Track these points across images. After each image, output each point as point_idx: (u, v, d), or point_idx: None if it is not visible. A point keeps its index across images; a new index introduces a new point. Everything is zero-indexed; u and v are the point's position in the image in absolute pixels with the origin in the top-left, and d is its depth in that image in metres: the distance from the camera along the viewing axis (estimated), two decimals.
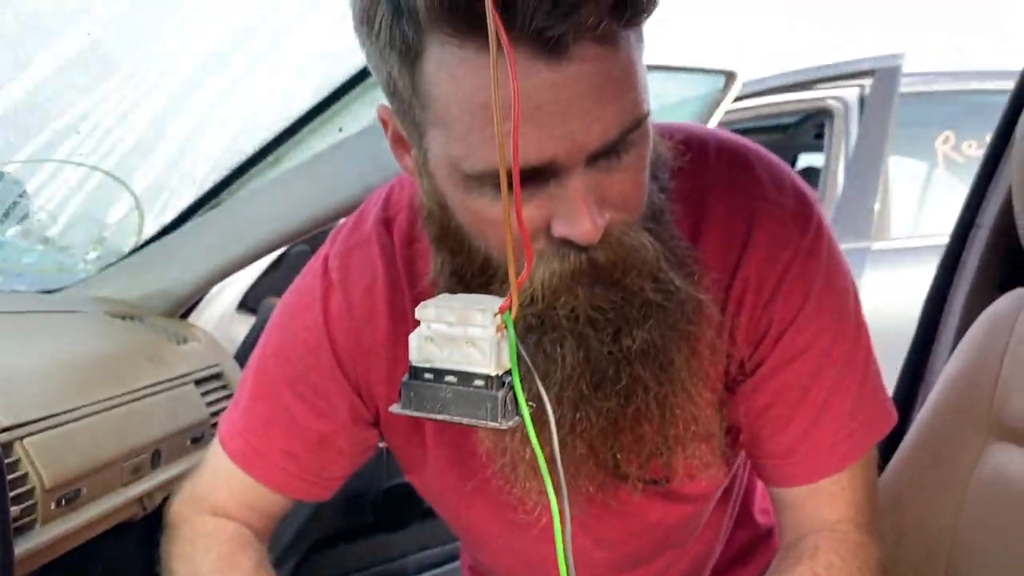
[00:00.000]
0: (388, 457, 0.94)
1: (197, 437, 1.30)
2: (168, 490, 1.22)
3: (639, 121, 0.64)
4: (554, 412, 0.51)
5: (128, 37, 1.03)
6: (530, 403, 0.49)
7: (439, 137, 0.64)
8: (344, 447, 0.87)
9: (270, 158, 1.43)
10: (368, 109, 1.40)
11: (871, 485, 0.85)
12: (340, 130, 1.40)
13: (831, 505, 0.83)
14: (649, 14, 0.63)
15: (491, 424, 0.48)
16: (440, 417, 0.49)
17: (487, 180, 0.63)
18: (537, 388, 0.50)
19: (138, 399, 1.19)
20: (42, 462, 0.97)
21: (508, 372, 0.49)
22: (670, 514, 0.89)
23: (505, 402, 0.48)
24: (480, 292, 0.69)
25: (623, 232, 0.67)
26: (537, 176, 0.62)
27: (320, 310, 0.84)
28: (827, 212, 2.98)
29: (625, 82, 0.62)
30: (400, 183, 0.87)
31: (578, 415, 0.71)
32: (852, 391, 0.81)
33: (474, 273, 0.72)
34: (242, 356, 1.69)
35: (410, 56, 0.61)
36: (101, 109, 1.15)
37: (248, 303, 1.85)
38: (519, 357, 0.49)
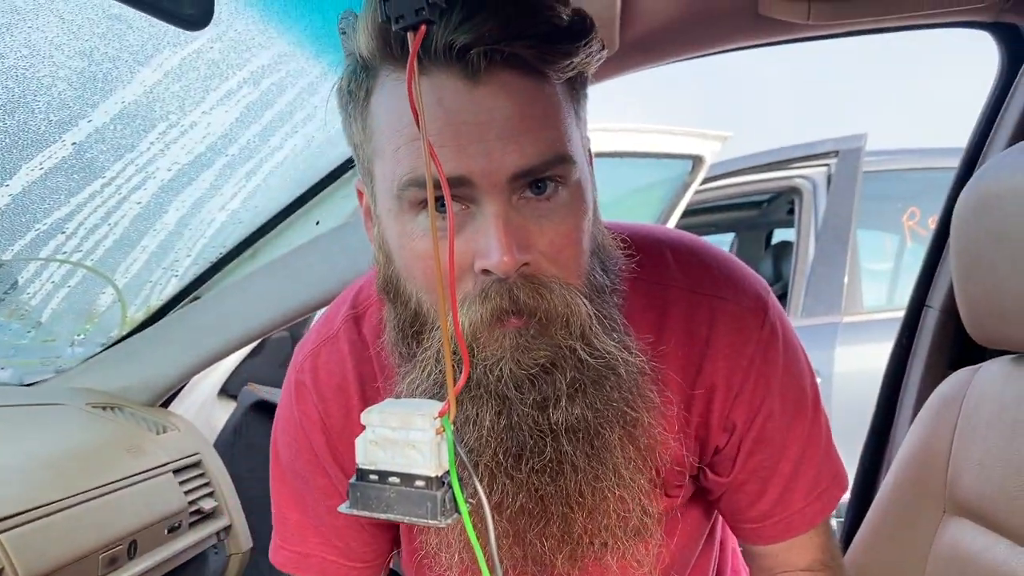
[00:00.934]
0: None
1: (174, 526, 1.31)
2: None
3: (561, 158, 0.66)
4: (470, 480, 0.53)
5: (110, 146, 1.08)
6: (469, 500, 0.52)
7: (380, 167, 0.69)
8: (369, 525, 0.89)
9: (248, 252, 1.46)
10: (346, 203, 1.45)
11: (832, 534, 0.91)
12: (317, 223, 1.44)
13: (801, 553, 0.88)
14: (571, 57, 0.65)
15: (431, 522, 0.51)
16: (384, 516, 0.52)
17: (418, 203, 0.65)
18: (475, 486, 0.53)
19: (116, 490, 1.19)
20: (19, 557, 0.98)
21: (448, 472, 0.52)
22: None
23: (444, 501, 0.51)
24: (414, 342, 0.72)
25: (551, 280, 0.67)
26: (456, 195, 0.64)
27: (299, 419, 0.87)
28: (799, 287, 3.04)
29: (547, 120, 0.65)
30: (370, 280, 0.90)
31: (495, 486, 0.70)
32: (817, 459, 0.86)
33: (409, 322, 0.72)
34: (222, 443, 1.70)
35: (362, 99, 0.68)
36: (85, 210, 1.19)
37: (229, 389, 1.87)
38: (458, 458, 0.52)
